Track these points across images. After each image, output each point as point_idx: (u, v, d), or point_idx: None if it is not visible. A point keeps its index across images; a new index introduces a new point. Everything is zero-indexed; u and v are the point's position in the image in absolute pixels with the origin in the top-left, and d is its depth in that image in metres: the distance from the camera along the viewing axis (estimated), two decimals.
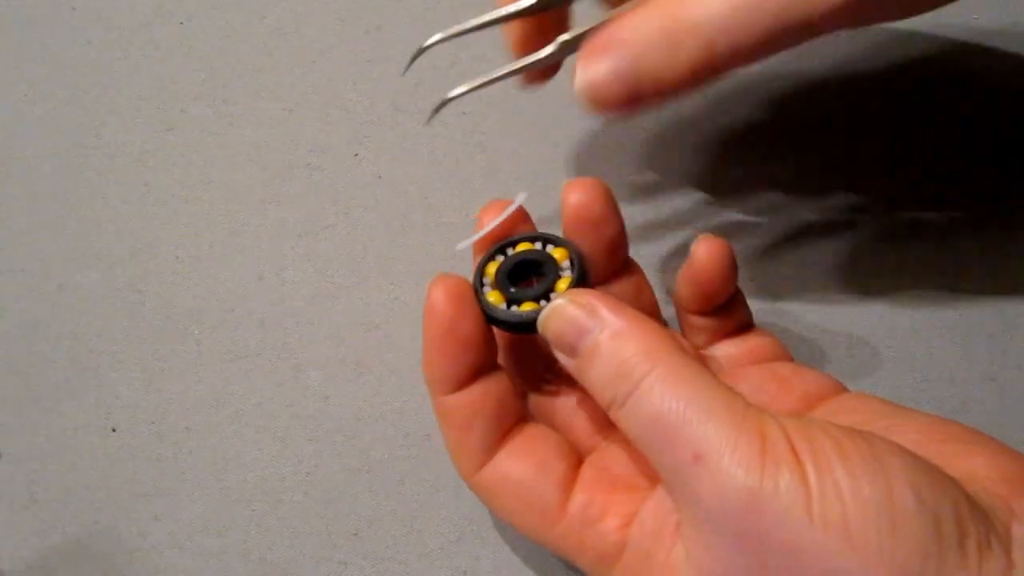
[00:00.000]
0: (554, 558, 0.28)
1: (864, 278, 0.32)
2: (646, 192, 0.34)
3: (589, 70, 0.24)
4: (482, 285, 0.25)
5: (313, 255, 0.33)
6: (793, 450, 0.19)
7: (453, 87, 0.28)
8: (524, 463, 0.24)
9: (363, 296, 0.33)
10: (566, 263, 0.25)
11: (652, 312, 0.28)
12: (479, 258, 0.26)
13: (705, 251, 0.26)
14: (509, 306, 0.24)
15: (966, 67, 0.35)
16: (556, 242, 0.25)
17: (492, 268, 0.25)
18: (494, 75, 0.27)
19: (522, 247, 0.26)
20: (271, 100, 0.36)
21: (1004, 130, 0.34)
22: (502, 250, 0.26)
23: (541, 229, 0.27)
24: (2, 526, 0.29)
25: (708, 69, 0.23)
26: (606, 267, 0.27)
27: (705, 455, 0.20)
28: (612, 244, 0.26)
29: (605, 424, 0.25)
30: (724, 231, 0.33)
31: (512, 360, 0.27)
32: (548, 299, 0.24)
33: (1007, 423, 0.30)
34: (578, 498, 0.24)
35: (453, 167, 0.34)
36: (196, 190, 0.35)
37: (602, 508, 0.23)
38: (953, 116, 0.34)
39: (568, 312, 0.23)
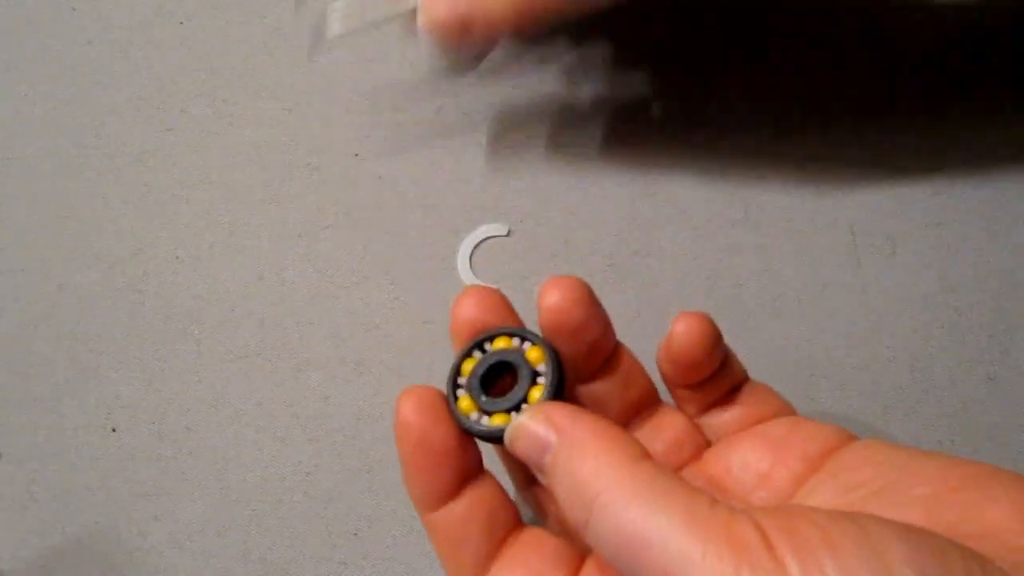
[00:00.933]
0: None
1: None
2: (644, 191, 0.34)
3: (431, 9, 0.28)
4: (456, 387, 0.24)
5: (313, 255, 0.33)
6: (771, 548, 0.17)
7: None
8: None
9: (363, 296, 0.32)
10: (542, 366, 0.24)
11: (643, 399, 0.26)
12: (457, 353, 0.25)
13: (684, 330, 0.24)
14: (481, 417, 0.24)
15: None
16: (534, 340, 0.24)
17: (468, 366, 0.24)
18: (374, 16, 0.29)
19: (500, 343, 0.24)
20: (271, 100, 0.36)
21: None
22: (480, 345, 0.25)
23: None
24: (2, 526, 0.29)
25: (528, 11, 0.27)
26: (587, 366, 0.25)
27: (674, 573, 0.18)
28: (593, 347, 0.25)
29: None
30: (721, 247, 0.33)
31: (505, 452, 0.25)
32: (519, 410, 0.23)
33: (1007, 423, 0.30)
34: None
35: (453, 167, 0.34)
36: (196, 190, 0.35)
37: None
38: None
39: (529, 429, 0.22)
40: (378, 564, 0.29)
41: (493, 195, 0.34)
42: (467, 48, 0.29)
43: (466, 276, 0.33)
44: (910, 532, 0.17)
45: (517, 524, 0.24)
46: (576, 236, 0.33)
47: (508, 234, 0.33)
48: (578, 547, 0.24)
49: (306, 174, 0.35)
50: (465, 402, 0.24)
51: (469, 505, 0.23)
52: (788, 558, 0.17)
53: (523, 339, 0.24)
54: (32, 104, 0.37)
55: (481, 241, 0.33)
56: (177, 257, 0.33)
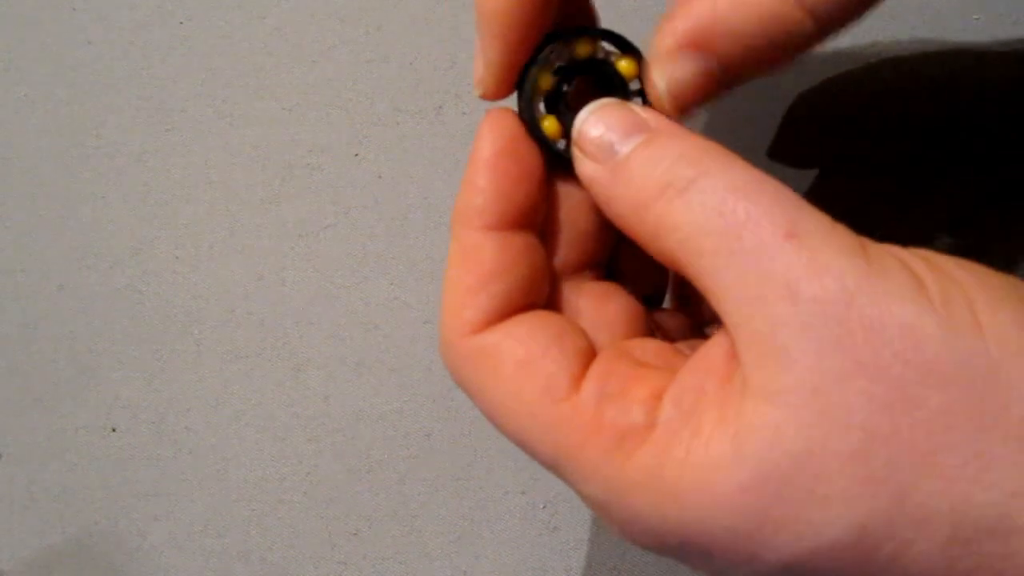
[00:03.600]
0: (555, 559, 0.28)
1: None
2: None
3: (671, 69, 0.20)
4: (532, 101, 0.20)
5: (313, 255, 0.33)
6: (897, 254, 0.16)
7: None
8: (534, 333, 0.19)
9: (363, 296, 0.32)
10: (636, 83, 0.20)
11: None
12: (514, 52, 0.20)
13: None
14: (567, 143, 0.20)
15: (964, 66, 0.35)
16: (625, 48, 0.20)
17: (545, 80, 0.20)
18: None
19: (581, 48, 0.20)
20: (271, 100, 0.36)
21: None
22: (554, 49, 0.20)
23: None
24: (2, 526, 0.29)
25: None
26: None
27: (801, 233, 0.16)
28: None
29: (635, 328, 0.21)
30: None
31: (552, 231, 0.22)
32: None
33: None
34: (595, 371, 0.19)
35: (453, 167, 0.34)
36: (196, 190, 0.35)
37: (624, 381, 0.18)
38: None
39: (623, 108, 0.19)
40: (378, 564, 0.29)
41: None
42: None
43: None
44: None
45: (546, 304, 0.21)
46: None
47: None
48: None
49: (306, 174, 0.35)
50: (550, 124, 0.20)
51: (521, 248, 0.20)
52: (915, 261, 0.16)
53: (614, 44, 0.20)
54: (32, 104, 0.37)
55: None
56: (177, 257, 0.33)
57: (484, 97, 0.21)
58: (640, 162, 0.18)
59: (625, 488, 0.17)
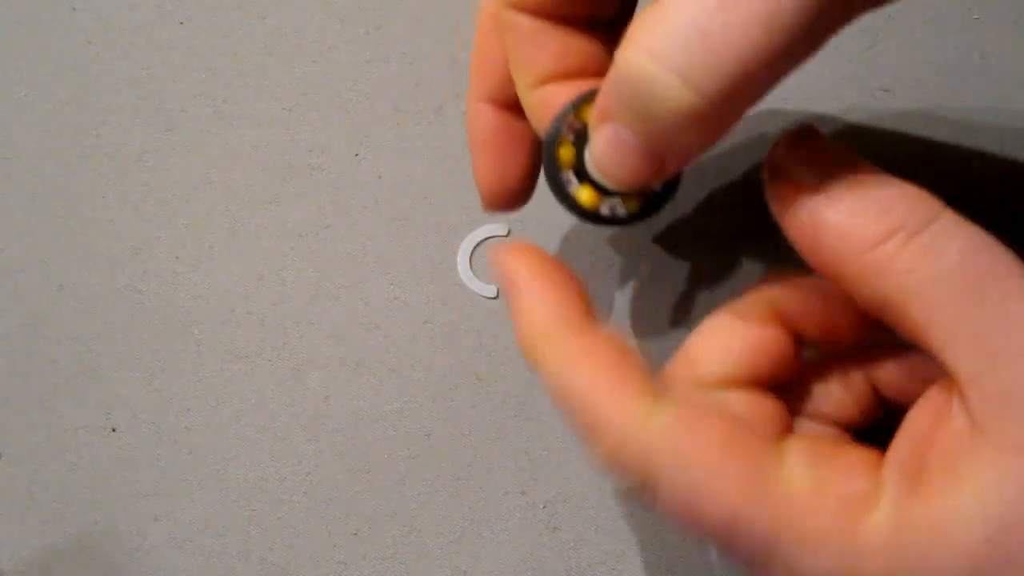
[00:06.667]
0: (555, 559, 0.28)
1: None
2: None
3: (594, 143, 0.20)
4: (560, 177, 0.20)
5: (313, 255, 0.33)
6: None
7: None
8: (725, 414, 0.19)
9: (363, 296, 0.33)
10: None
11: None
12: (550, 124, 0.20)
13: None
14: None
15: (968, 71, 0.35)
16: None
17: (567, 153, 0.21)
18: None
19: (588, 112, 0.20)
20: (271, 100, 0.36)
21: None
22: (564, 122, 0.20)
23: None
24: (2, 526, 0.29)
25: (722, 126, 0.18)
26: None
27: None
28: None
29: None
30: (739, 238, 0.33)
31: None
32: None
33: None
34: (793, 445, 0.19)
35: (453, 167, 0.34)
36: (196, 190, 0.35)
37: (829, 454, 0.18)
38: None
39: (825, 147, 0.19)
40: (378, 564, 0.29)
41: None
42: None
43: (466, 276, 0.33)
44: None
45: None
46: (576, 236, 0.33)
47: (508, 234, 0.33)
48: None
49: (306, 174, 0.35)
50: (587, 193, 0.20)
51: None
52: None
53: None
54: (32, 104, 0.37)
55: (481, 241, 0.33)
56: (177, 257, 0.33)
57: (488, 211, 0.23)
58: (861, 200, 0.18)
59: (859, 554, 0.17)
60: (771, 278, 0.22)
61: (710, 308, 0.23)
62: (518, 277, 0.20)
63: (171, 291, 0.33)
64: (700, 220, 0.33)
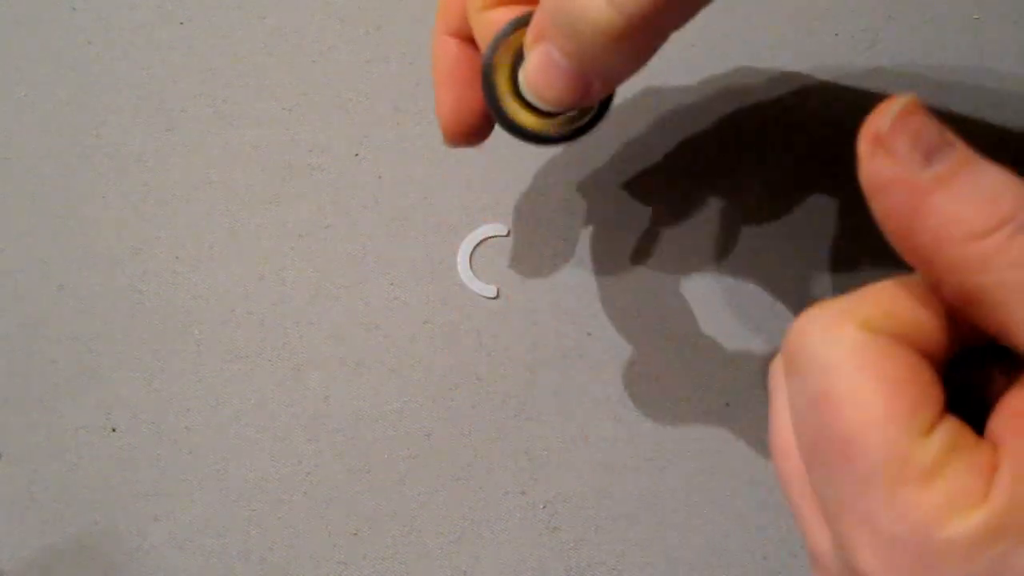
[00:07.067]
0: (555, 559, 0.28)
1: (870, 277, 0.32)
2: (645, 190, 0.34)
3: (528, 64, 0.22)
4: (495, 85, 0.22)
5: (313, 255, 0.33)
6: None
7: None
8: (910, 363, 0.18)
9: (363, 296, 0.33)
10: None
11: None
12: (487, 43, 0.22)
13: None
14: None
15: (966, 66, 0.35)
16: None
17: (504, 57, 0.22)
18: None
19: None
20: (271, 100, 0.36)
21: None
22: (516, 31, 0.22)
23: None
24: (2, 526, 0.29)
25: (645, 51, 0.20)
26: None
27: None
28: None
29: None
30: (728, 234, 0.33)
31: None
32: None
33: None
34: (948, 423, 0.18)
35: (453, 167, 0.34)
36: (196, 190, 0.35)
37: (971, 443, 0.18)
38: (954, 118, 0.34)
39: (929, 120, 0.18)
40: (378, 564, 0.29)
41: (493, 195, 0.34)
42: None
43: (466, 276, 0.33)
44: None
45: None
46: (576, 236, 0.33)
47: (508, 234, 0.33)
48: None
49: (306, 174, 0.35)
50: (524, 115, 0.22)
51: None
52: None
53: None
54: (32, 104, 0.37)
55: (481, 241, 0.33)
56: (177, 257, 0.33)
57: (449, 143, 0.24)
58: (969, 187, 0.17)
59: (940, 548, 0.17)
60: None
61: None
62: None
63: (171, 291, 0.33)
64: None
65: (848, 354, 0.18)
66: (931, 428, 0.17)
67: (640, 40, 0.20)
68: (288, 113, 0.36)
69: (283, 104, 0.36)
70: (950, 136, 0.18)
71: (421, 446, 0.30)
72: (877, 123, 0.18)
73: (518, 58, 0.22)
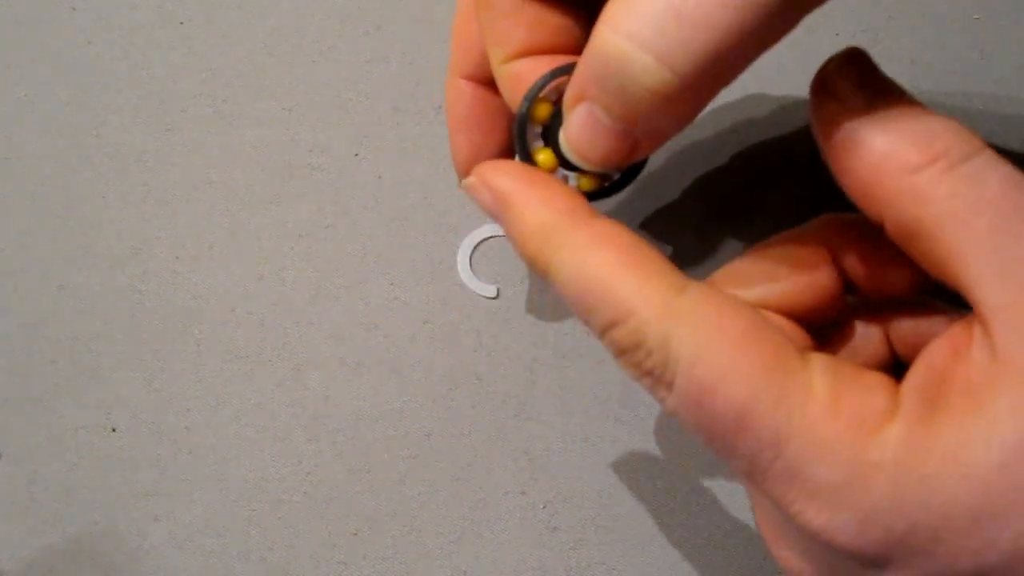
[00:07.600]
0: (555, 559, 0.28)
1: None
2: (645, 190, 0.34)
3: (570, 123, 0.20)
4: (525, 135, 0.22)
5: (313, 255, 0.33)
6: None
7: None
8: (756, 316, 0.19)
9: (363, 296, 0.33)
10: None
11: None
12: (524, 94, 0.21)
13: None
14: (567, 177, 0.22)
15: (967, 67, 0.35)
16: None
17: (543, 110, 0.22)
18: None
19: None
20: (271, 100, 0.36)
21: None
22: (557, 84, 0.21)
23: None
24: (2, 526, 0.29)
25: (695, 109, 0.19)
26: None
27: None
28: None
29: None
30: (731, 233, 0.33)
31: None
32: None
33: None
34: (821, 358, 0.18)
35: (453, 167, 0.34)
36: (196, 190, 0.35)
37: (854, 371, 0.18)
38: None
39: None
40: (378, 564, 0.29)
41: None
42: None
43: (466, 276, 0.33)
44: None
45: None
46: None
47: None
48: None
49: (306, 174, 0.35)
50: (546, 156, 0.22)
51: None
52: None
53: None
54: (32, 104, 0.37)
55: (481, 241, 0.33)
56: (177, 257, 0.33)
57: (465, 188, 0.23)
58: (907, 125, 0.18)
59: (867, 466, 0.17)
60: (830, 217, 0.22)
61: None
62: (512, 186, 0.21)
63: (171, 291, 0.33)
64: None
65: (689, 330, 0.18)
66: (802, 367, 0.18)
67: (693, 99, 0.18)
68: (288, 113, 0.36)
69: (283, 104, 0.36)
70: (891, 82, 0.19)
71: (421, 446, 0.30)
72: (826, 68, 0.19)
73: (555, 115, 0.21)
